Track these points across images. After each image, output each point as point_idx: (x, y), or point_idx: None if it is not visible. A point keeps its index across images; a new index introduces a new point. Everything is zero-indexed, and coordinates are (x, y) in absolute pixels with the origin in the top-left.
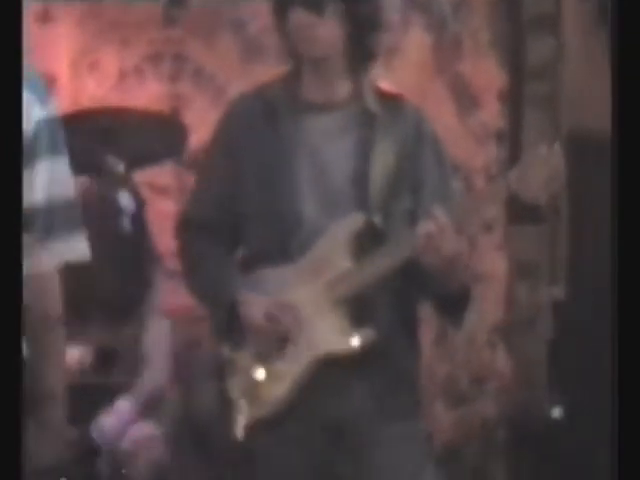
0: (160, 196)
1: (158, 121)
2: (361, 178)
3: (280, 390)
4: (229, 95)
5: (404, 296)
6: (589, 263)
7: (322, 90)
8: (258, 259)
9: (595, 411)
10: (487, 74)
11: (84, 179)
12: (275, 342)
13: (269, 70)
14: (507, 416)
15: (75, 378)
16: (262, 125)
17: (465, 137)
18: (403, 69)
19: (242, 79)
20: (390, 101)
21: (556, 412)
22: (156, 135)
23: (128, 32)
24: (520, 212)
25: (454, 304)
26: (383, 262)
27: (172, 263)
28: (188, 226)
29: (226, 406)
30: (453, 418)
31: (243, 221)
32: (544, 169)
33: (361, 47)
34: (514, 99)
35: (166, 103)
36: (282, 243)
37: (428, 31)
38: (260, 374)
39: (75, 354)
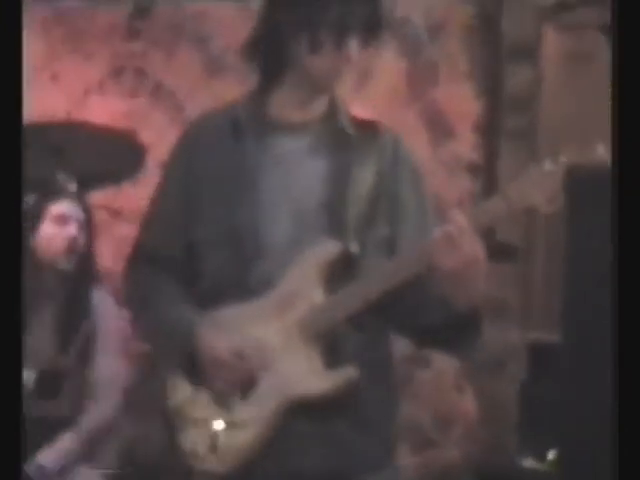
0: (115, 219)
1: (114, 139)
2: (336, 202)
3: (243, 440)
4: (188, 112)
5: (381, 333)
6: (577, 307)
7: (297, 109)
8: (216, 293)
9: (572, 460)
10: (463, 103)
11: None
12: (240, 384)
13: (230, 88)
14: (473, 462)
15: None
16: (223, 146)
17: (437, 168)
18: (375, 95)
19: (202, 96)
20: (364, 125)
21: (527, 461)
22: (112, 154)
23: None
24: (493, 249)
25: (461, 329)
26: (359, 294)
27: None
28: (139, 257)
29: (178, 457)
30: (417, 463)
31: (201, 251)
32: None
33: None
34: (490, 130)
35: (125, 120)
36: (240, 274)
37: (402, 56)
38: (219, 424)
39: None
